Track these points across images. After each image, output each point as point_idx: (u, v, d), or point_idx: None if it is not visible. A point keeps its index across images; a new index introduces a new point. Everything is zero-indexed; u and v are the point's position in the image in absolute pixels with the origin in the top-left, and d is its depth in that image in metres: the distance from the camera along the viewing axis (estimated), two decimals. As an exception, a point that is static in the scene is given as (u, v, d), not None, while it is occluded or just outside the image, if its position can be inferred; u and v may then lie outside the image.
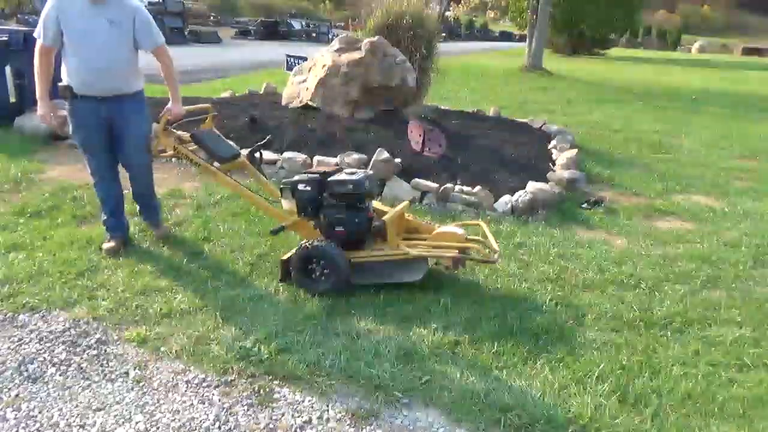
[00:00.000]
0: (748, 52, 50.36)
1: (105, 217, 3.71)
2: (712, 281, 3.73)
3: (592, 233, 4.53)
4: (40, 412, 2.22)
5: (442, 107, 8.74)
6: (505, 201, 4.81)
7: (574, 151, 6.29)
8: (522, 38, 32.90)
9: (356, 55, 6.40)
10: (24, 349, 2.60)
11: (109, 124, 3.46)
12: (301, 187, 3.29)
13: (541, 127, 8.05)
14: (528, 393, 2.43)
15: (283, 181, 3.46)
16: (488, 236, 3.42)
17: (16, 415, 2.20)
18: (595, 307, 3.24)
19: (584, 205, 5.16)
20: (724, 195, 5.88)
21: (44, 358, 2.55)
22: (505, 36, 55.54)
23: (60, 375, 2.44)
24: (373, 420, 2.27)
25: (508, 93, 13.05)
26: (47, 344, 2.64)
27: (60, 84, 3.37)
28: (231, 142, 3.76)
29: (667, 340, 2.96)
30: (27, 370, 2.46)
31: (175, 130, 3.63)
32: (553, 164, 6.13)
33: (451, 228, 3.38)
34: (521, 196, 4.80)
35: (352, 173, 3.30)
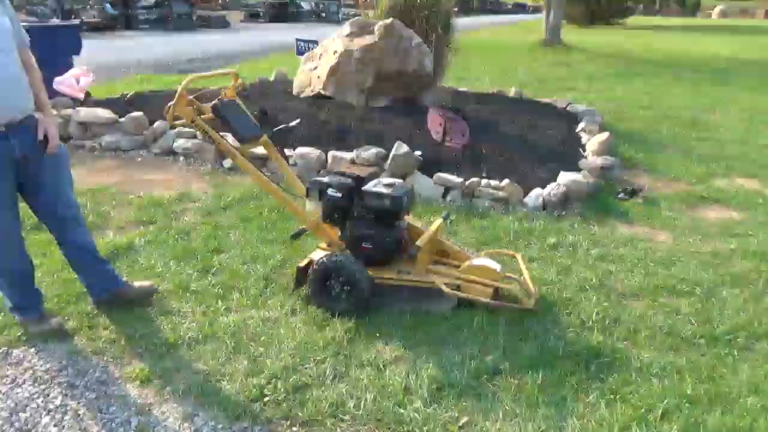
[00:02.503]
0: (773, 15, 48.50)
1: (15, 297, 2.70)
2: (774, 283, 3.36)
3: (633, 228, 4.16)
4: (30, 474, 1.97)
5: (460, 89, 8.33)
6: (536, 195, 4.45)
7: (606, 134, 5.86)
8: (536, 10, 31.99)
9: (369, 39, 6.01)
10: (17, 393, 2.35)
11: (19, 166, 2.49)
12: (331, 191, 2.97)
13: (566, 107, 7.62)
14: (583, 436, 2.12)
15: (312, 179, 3.09)
16: (524, 272, 3.07)
17: (3, 478, 1.95)
18: (648, 321, 2.90)
19: (621, 195, 4.79)
20: (770, 177, 5.45)
21: (38, 404, 2.28)
22: (519, 8, 54.24)
23: (54, 426, 2.18)
24: (406, 476, 1.98)
25: (527, 70, 12.52)
26: (42, 386, 2.38)
27: None
28: (253, 118, 3.26)
29: (734, 360, 2.62)
30: (19, 420, 2.20)
31: (195, 99, 3.07)
32: (584, 150, 5.73)
33: (487, 261, 2.98)
34: (553, 189, 4.43)
35: (391, 185, 2.95)
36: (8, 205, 2.54)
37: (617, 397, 2.33)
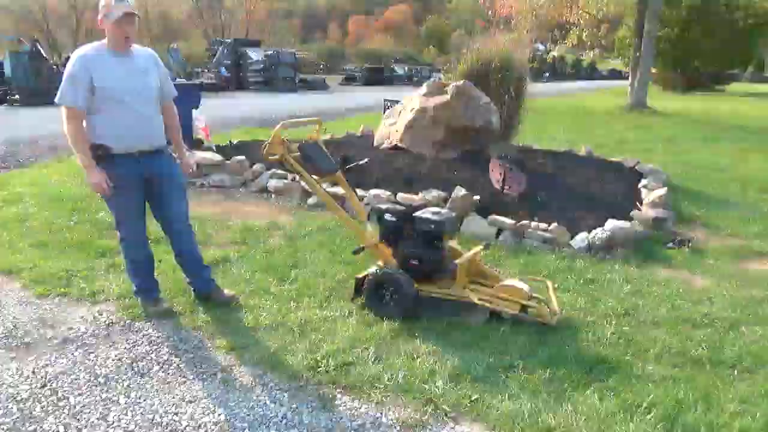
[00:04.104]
0: None
1: (139, 282, 3.53)
2: (799, 325, 3.55)
3: (673, 272, 4.45)
4: (144, 400, 2.66)
5: (534, 147, 8.83)
6: (582, 238, 4.85)
7: (664, 189, 6.14)
8: (630, 76, 31.87)
9: (442, 98, 6.76)
10: (136, 349, 3.10)
11: (148, 185, 3.36)
12: (387, 216, 3.62)
13: (634, 166, 7.89)
14: (573, 417, 2.53)
15: (373, 207, 3.76)
16: (551, 296, 3.55)
17: (126, 400, 2.66)
18: (660, 343, 3.23)
19: (669, 245, 5.06)
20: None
21: (151, 357, 3.02)
22: (614, 74, 54.04)
23: (162, 372, 2.90)
24: (421, 430, 2.48)
25: (606, 132, 12.80)
26: (154, 347, 3.13)
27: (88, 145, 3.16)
28: (330, 157, 4.02)
29: (733, 379, 2.90)
30: (137, 366, 2.94)
31: (285, 140, 3.80)
32: (641, 203, 6.03)
33: (517, 282, 3.50)
34: (598, 234, 4.82)
35: (437, 213, 3.58)
36: (138, 212, 3.41)
37: (611, 393, 2.71)
